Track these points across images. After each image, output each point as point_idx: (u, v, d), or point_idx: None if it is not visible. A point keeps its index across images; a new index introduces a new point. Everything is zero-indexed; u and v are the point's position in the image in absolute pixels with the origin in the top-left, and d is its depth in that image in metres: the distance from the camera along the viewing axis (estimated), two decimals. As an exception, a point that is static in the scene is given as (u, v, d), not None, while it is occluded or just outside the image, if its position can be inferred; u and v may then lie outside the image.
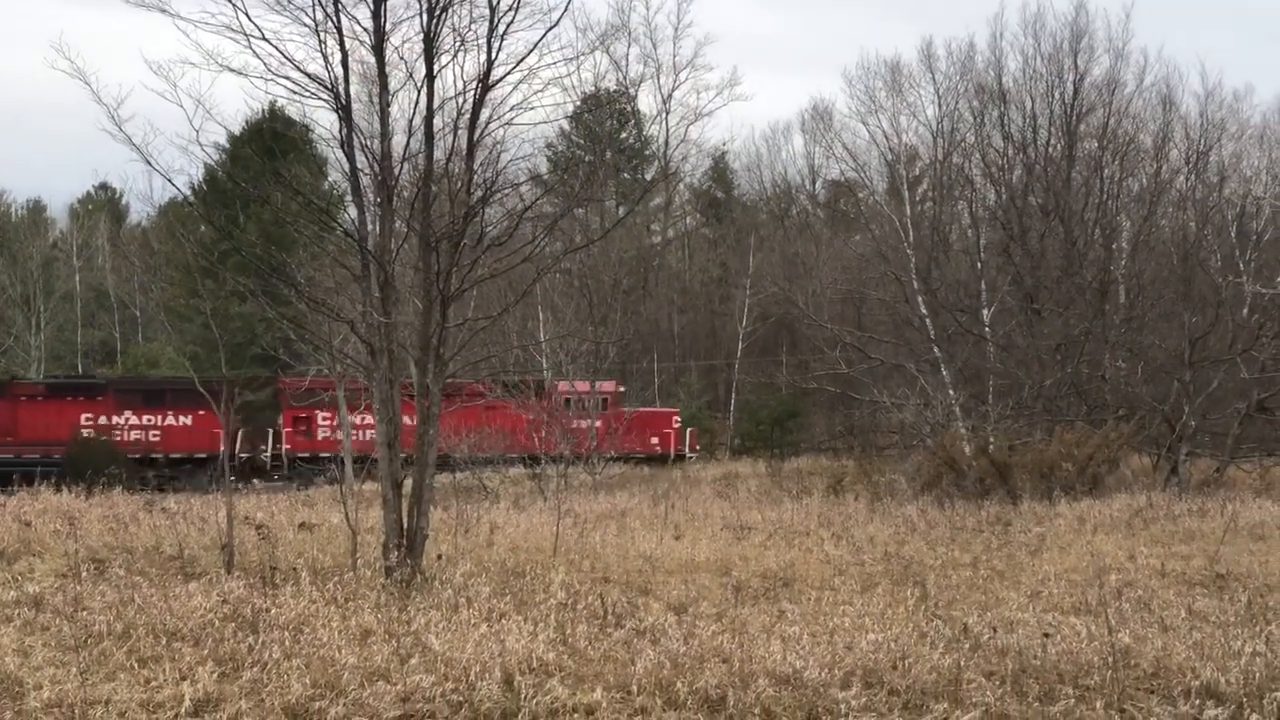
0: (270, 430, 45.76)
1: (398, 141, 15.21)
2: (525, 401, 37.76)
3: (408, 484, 15.22)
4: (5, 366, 65.66)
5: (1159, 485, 31.17)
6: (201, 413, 40.94)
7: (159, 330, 69.27)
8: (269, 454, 45.23)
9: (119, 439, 44.73)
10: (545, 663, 10.05)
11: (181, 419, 45.12)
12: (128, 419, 45.63)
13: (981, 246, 40.51)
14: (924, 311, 38.31)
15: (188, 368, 43.87)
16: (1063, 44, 45.71)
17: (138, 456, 43.47)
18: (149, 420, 45.80)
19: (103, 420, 45.47)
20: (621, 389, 48.75)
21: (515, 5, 14.98)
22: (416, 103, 15.14)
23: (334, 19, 14.87)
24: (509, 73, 15.28)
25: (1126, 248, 43.62)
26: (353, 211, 15.78)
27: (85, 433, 44.91)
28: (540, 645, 10.52)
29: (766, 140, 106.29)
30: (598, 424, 39.65)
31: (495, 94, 15.40)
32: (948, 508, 25.96)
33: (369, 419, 43.54)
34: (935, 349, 37.20)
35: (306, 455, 43.55)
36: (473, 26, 15.09)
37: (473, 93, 15.18)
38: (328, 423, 44.21)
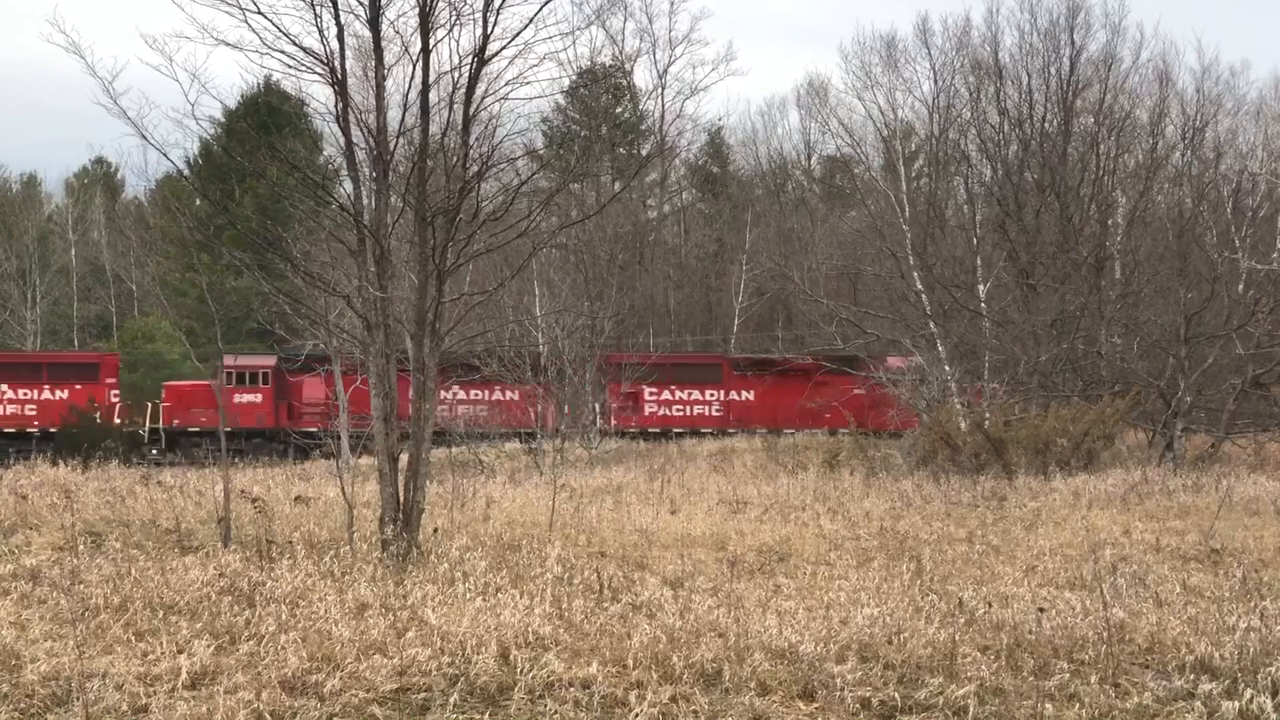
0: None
1: (393, 116, 15.17)
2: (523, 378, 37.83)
3: (404, 458, 15.25)
4: (1, 341, 65.66)
5: (1154, 461, 31.25)
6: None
7: (154, 304, 69.27)
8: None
9: None
10: (541, 637, 10.07)
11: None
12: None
13: (977, 222, 40.51)
14: (919, 287, 38.30)
15: (183, 341, 43.96)
16: (1059, 19, 45.80)
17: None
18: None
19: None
20: None
21: (511, -21, 14.94)
22: (412, 77, 15.12)
23: (330, -8, 14.81)
24: (504, 47, 15.25)
25: (1122, 223, 43.64)
26: (348, 186, 15.77)
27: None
28: (536, 619, 10.53)
29: (762, 115, 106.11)
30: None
31: (491, 68, 15.39)
32: (943, 483, 26.00)
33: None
34: (931, 324, 37.21)
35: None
36: (468, 1, 15.07)
37: (468, 67, 15.15)
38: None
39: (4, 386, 45.20)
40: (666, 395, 48.40)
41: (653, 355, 47.70)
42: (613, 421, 43.70)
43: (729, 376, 48.84)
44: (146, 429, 45.21)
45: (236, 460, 33.95)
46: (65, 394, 45.21)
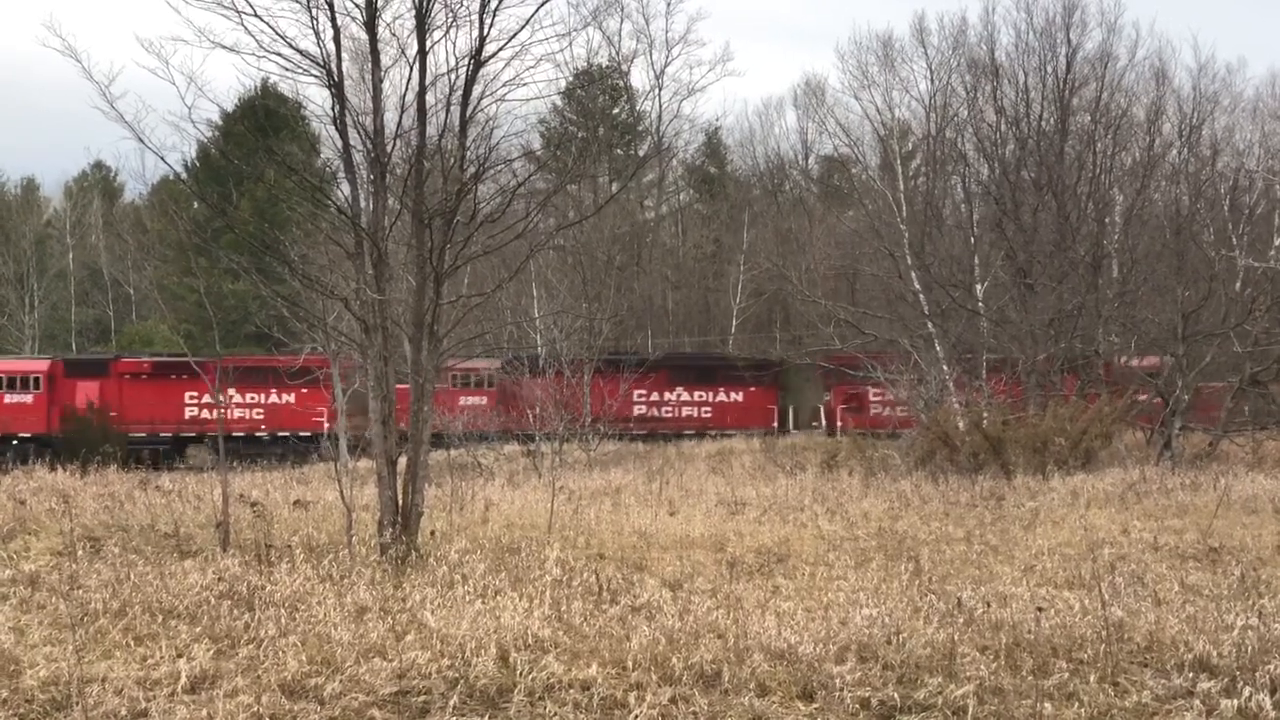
0: None
1: (390, 118, 15.18)
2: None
3: (402, 461, 15.25)
4: (-1, 346, 65.63)
5: (1152, 459, 31.24)
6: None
7: (153, 309, 69.27)
8: None
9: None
10: (541, 639, 10.08)
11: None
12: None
13: (975, 221, 40.50)
14: (917, 287, 38.30)
15: (182, 346, 43.93)
16: (1055, 17, 45.66)
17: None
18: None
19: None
20: None
21: (508, -19, 14.95)
22: (409, 79, 15.13)
23: (326, -5, 14.82)
24: (501, 49, 15.27)
25: (1119, 222, 43.58)
26: (346, 188, 15.74)
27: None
28: (535, 622, 10.54)
29: (759, 116, 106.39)
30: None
31: (488, 70, 15.40)
32: (941, 483, 25.99)
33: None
34: (929, 324, 37.21)
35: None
36: (465, 2, 15.08)
37: (465, 69, 15.16)
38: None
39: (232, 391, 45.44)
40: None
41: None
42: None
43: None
44: None
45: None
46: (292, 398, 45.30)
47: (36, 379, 45.97)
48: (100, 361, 47.09)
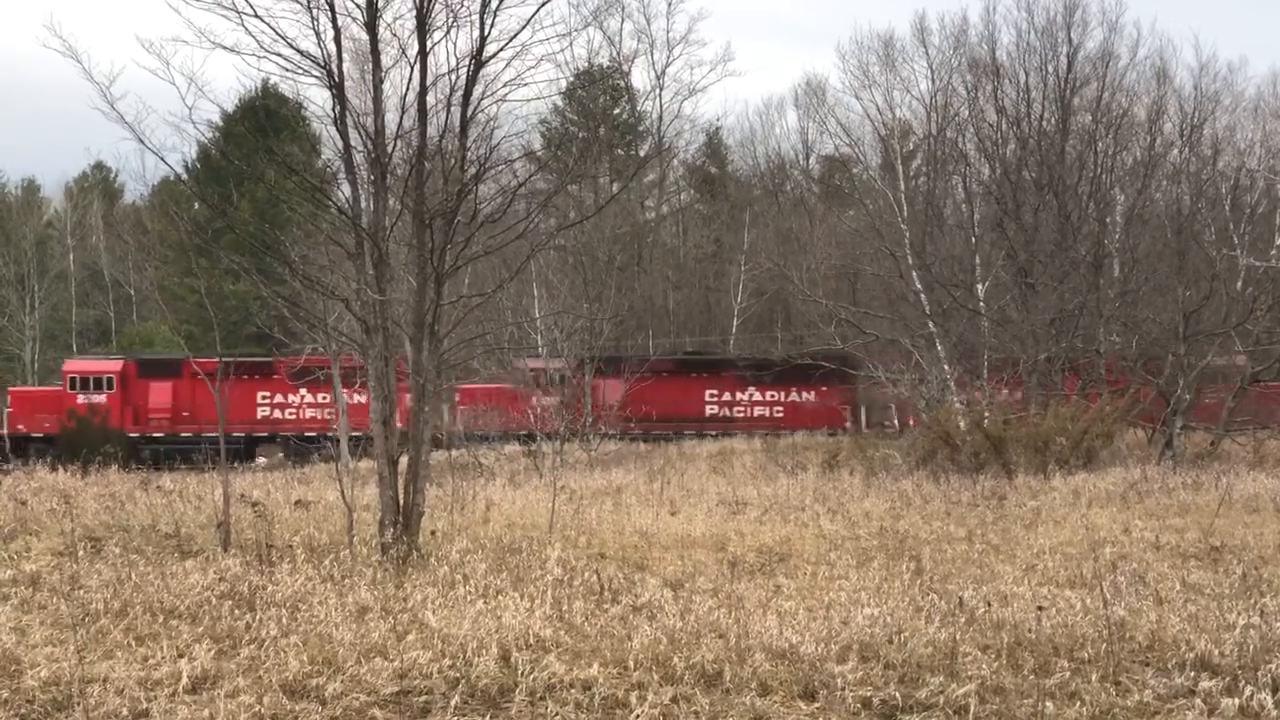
0: None
1: (391, 119, 15.18)
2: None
3: (403, 461, 15.25)
4: (-1, 346, 65.67)
5: (1153, 459, 31.23)
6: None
7: (153, 309, 69.28)
8: None
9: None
10: (542, 639, 10.07)
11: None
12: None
13: (976, 221, 40.50)
14: (918, 286, 38.29)
15: (183, 347, 43.92)
16: (1056, 17, 45.65)
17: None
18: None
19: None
20: None
21: (508, -19, 14.95)
22: (409, 80, 15.12)
23: (326, -5, 14.82)
24: (502, 49, 15.26)
25: (1121, 221, 43.58)
26: (346, 189, 15.74)
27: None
28: (537, 621, 10.53)
29: (760, 115, 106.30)
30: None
31: (488, 70, 15.39)
32: (943, 482, 25.99)
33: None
34: (930, 324, 37.20)
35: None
36: (465, 2, 15.07)
37: (466, 69, 15.15)
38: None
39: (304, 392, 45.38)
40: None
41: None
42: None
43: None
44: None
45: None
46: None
47: (110, 379, 46.23)
48: (173, 362, 46.94)
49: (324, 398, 45.84)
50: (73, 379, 46.79)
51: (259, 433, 46.29)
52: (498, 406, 44.19)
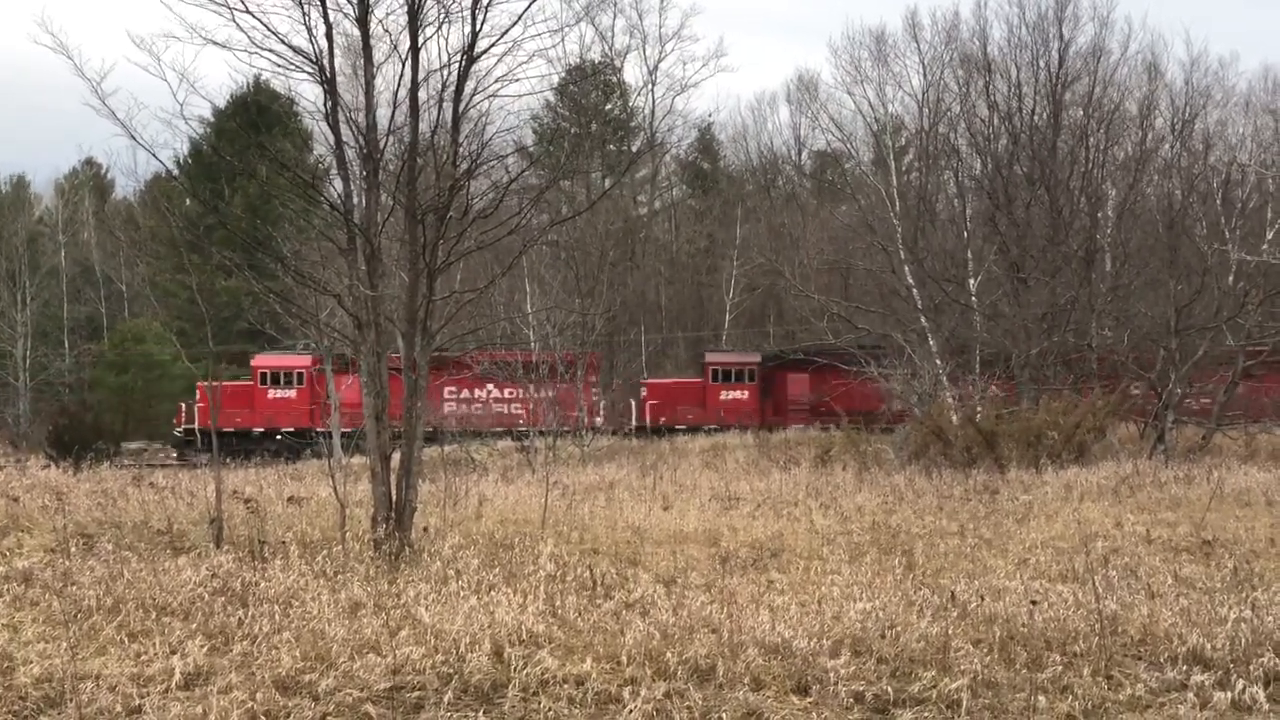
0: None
1: (383, 114, 15.19)
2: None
3: (396, 457, 15.24)
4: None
5: (1145, 453, 31.28)
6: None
7: (145, 305, 69.15)
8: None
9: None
10: (535, 634, 10.06)
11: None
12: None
13: (968, 216, 40.57)
14: (910, 281, 38.33)
15: (174, 342, 43.81)
16: (1047, 12, 45.71)
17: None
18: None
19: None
20: None
21: (499, -24, 14.95)
22: (401, 75, 15.10)
23: (318, -9, 14.79)
24: (493, 45, 15.26)
25: (1112, 216, 43.66)
26: (338, 185, 15.73)
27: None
28: (530, 617, 10.53)
29: (752, 111, 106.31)
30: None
31: (480, 66, 15.38)
32: (935, 477, 26.01)
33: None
34: (922, 319, 37.23)
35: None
36: (457, -2, 15.03)
37: (457, 65, 15.15)
38: None
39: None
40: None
41: None
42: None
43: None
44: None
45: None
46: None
47: (300, 374, 46.23)
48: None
49: (510, 393, 45.86)
50: (263, 374, 46.82)
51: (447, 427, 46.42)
52: (683, 401, 44.43)
